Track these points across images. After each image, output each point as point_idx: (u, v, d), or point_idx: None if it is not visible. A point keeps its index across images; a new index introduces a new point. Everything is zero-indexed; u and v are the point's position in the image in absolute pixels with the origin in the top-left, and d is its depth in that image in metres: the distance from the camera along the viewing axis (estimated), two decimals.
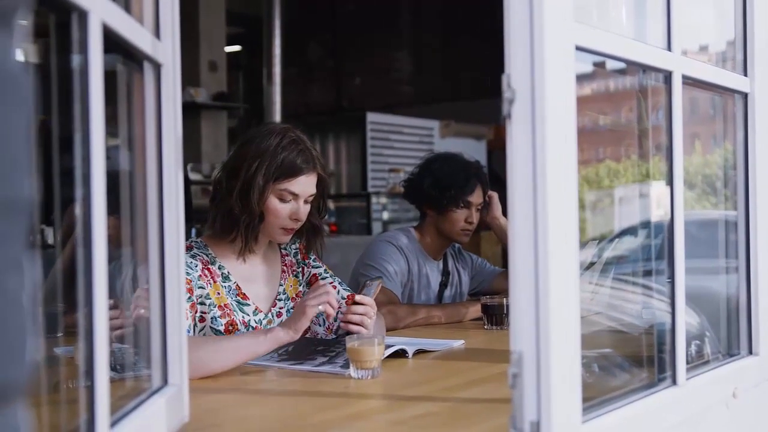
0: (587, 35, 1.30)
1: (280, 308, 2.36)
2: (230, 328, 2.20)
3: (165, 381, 1.40)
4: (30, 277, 0.59)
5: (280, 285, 2.39)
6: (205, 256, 2.24)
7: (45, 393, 1.22)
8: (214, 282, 2.23)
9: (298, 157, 2.22)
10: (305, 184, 2.25)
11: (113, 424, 1.11)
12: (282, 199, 2.23)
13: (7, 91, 0.56)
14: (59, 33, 1.06)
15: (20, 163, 0.57)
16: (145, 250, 1.40)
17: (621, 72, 1.79)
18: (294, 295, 2.40)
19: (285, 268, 2.42)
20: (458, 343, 2.39)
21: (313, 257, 2.49)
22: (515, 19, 1.19)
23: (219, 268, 2.26)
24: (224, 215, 2.24)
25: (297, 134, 2.28)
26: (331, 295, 2.04)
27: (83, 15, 1.01)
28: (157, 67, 1.37)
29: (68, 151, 1.06)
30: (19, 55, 0.59)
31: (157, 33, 1.37)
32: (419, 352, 2.22)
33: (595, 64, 1.52)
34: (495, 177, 3.71)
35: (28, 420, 0.59)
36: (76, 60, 1.04)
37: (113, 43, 1.14)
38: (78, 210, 1.03)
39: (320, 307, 2.01)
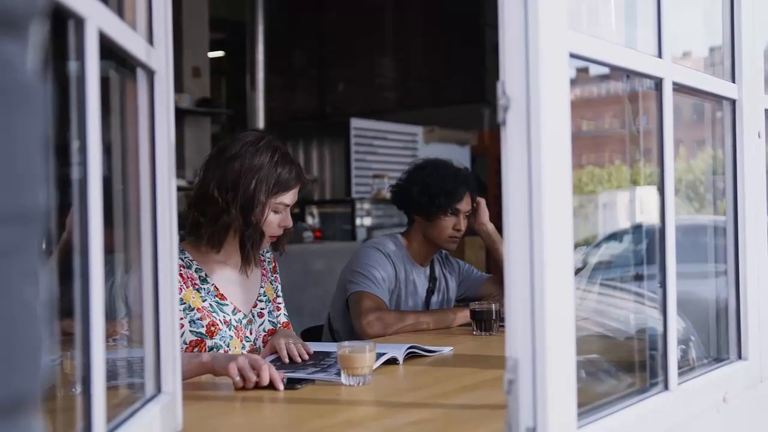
0: (581, 42, 1.31)
1: (261, 309, 2.44)
2: (212, 328, 2.26)
3: (158, 389, 1.39)
4: (44, 286, 0.58)
5: (261, 287, 2.46)
6: (180, 260, 2.26)
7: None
8: (187, 287, 2.27)
9: (292, 171, 2.33)
10: (295, 194, 2.37)
11: None
12: (276, 211, 2.33)
13: (23, 100, 0.56)
14: (54, 39, 1.06)
15: (36, 172, 0.57)
16: (138, 256, 1.39)
17: (603, 78, 1.79)
18: (272, 300, 2.49)
19: (264, 272, 2.51)
20: (448, 350, 2.40)
21: (277, 273, 2.58)
22: (510, 26, 1.20)
23: (196, 271, 2.32)
24: (223, 229, 2.29)
25: (283, 147, 2.38)
26: (260, 374, 1.88)
27: (80, 22, 1.01)
28: (150, 73, 1.36)
29: (63, 158, 1.05)
30: (34, 64, 0.59)
31: (150, 40, 1.37)
32: (411, 357, 2.22)
33: (579, 70, 1.53)
34: (478, 183, 3.72)
35: (43, 429, 0.59)
36: (72, 66, 1.03)
37: (107, 49, 1.13)
38: (74, 218, 1.03)
39: (237, 378, 1.87)
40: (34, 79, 0.58)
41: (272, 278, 2.54)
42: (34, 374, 0.56)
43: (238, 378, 1.87)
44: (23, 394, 0.55)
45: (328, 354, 2.22)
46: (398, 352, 2.19)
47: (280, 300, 2.56)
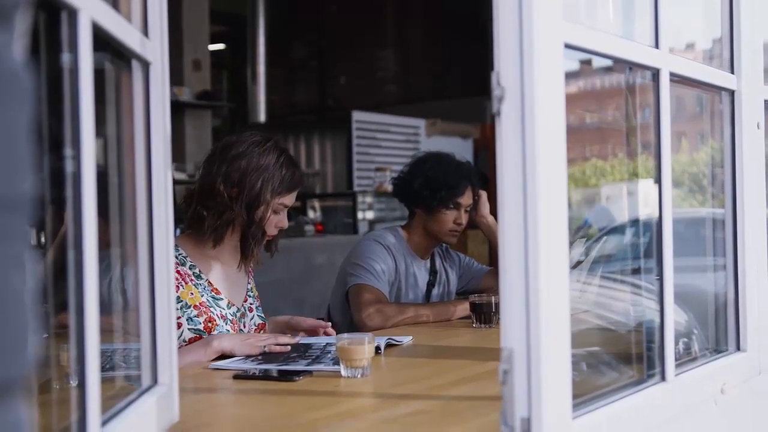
0: (576, 33, 1.31)
1: (250, 304, 2.49)
2: (209, 324, 2.30)
3: (155, 380, 1.39)
4: (31, 274, 0.59)
5: (249, 283, 2.52)
6: (174, 253, 2.29)
7: (33, 392, 1.21)
8: (186, 283, 2.31)
9: (295, 174, 2.39)
10: (294, 197, 2.42)
11: (104, 423, 1.11)
12: (276, 212, 2.37)
13: (9, 88, 0.57)
14: (48, 31, 1.06)
15: (22, 160, 0.58)
16: (134, 250, 1.39)
17: (607, 70, 1.79)
18: (256, 295, 2.55)
19: (250, 270, 2.55)
20: (407, 339, 2.43)
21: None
22: (504, 16, 1.19)
23: (190, 268, 2.35)
24: (225, 225, 2.33)
25: (287, 150, 2.44)
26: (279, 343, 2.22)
27: (73, 13, 1.01)
28: (145, 65, 1.36)
29: (57, 151, 1.05)
30: (20, 52, 0.59)
31: (145, 31, 1.37)
32: (389, 346, 2.28)
33: (582, 62, 1.53)
34: (481, 176, 3.71)
35: (29, 415, 0.59)
36: (65, 58, 1.03)
37: (101, 41, 1.13)
38: (68, 211, 1.03)
39: (266, 348, 2.17)
40: (20, 68, 0.58)
41: (253, 276, 2.60)
42: (20, 360, 0.57)
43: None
44: (9, 379, 0.56)
45: (309, 346, 2.24)
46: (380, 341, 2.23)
47: (256, 302, 2.60)
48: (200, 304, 2.30)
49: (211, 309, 2.31)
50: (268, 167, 2.32)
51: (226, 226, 2.33)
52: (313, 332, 2.46)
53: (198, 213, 2.32)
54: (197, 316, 2.28)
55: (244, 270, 2.45)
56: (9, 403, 0.56)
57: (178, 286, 2.26)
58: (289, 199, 2.39)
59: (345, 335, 1.98)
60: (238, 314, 2.41)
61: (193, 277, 2.33)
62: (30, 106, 0.59)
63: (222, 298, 2.37)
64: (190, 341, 2.24)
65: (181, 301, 2.26)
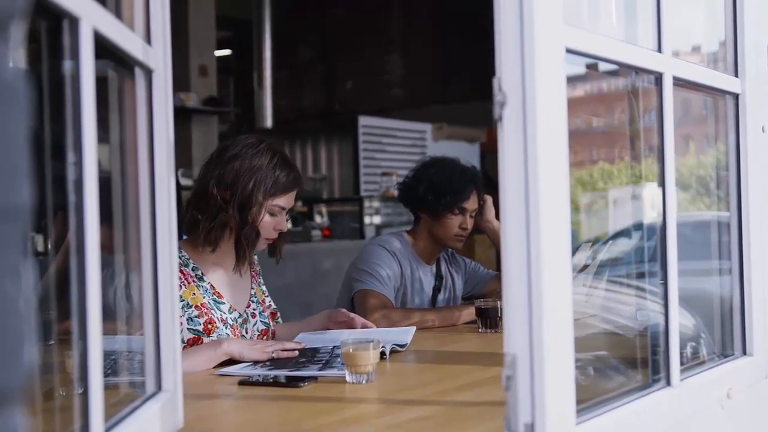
0: (577, 37, 1.30)
1: (254, 309, 2.49)
2: (209, 326, 2.30)
3: (159, 387, 1.39)
4: (27, 282, 0.59)
5: (252, 288, 2.52)
6: (177, 259, 2.30)
7: (38, 400, 1.22)
8: (189, 283, 2.32)
9: (290, 175, 2.38)
10: (291, 199, 2.41)
11: (107, 430, 1.11)
12: (272, 214, 2.37)
13: (5, 98, 0.57)
14: (50, 39, 1.06)
15: (18, 169, 0.58)
16: (138, 257, 1.40)
17: (614, 74, 1.79)
18: (261, 300, 2.54)
19: (254, 274, 2.56)
20: (411, 330, 2.47)
21: (260, 277, 2.63)
22: (505, 21, 1.19)
23: (193, 270, 2.36)
24: (219, 227, 2.33)
25: (282, 151, 2.44)
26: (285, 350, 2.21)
27: (74, 21, 1.01)
28: (148, 72, 1.37)
29: (59, 158, 1.05)
30: (16, 62, 0.59)
31: (148, 39, 1.37)
32: (394, 352, 2.27)
33: (588, 66, 1.52)
34: (488, 180, 3.69)
35: (25, 425, 0.59)
36: (67, 66, 1.04)
37: (104, 48, 1.14)
38: (71, 217, 1.03)
39: (274, 354, 2.17)
40: (17, 78, 0.59)
41: (260, 281, 2.59)
42: (16, 369, 0.57)
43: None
44: (6, 388, 0.56)
45: (317, 350, 2.24)
46: (397, 337, 2.26)
47: (269, 300, 2.60)
48: (201, 305, 2.30)
49: (212, 311, 2.32)
50: (261, 168, 2.32)
51: (221, 229, 2.33)
52: (349, 325, 2.51)
53: (193, 217, 2.33)
54: (198, 316, 2.28)
55: (240, 273, 2.44)
56: (6, 411, 0.56)
57: (180, 285, 2.26)
58: (285, 201, 2.38)
59: (350, 340, 1.98)
60: (240, 320, 2.41)
61: (195, 279, 2.34)
62: (27, 116, 0.59)
63: (224, 302, 2.37)
64: (189, 342, 2.25)
65: (183, 300, 2.27)
